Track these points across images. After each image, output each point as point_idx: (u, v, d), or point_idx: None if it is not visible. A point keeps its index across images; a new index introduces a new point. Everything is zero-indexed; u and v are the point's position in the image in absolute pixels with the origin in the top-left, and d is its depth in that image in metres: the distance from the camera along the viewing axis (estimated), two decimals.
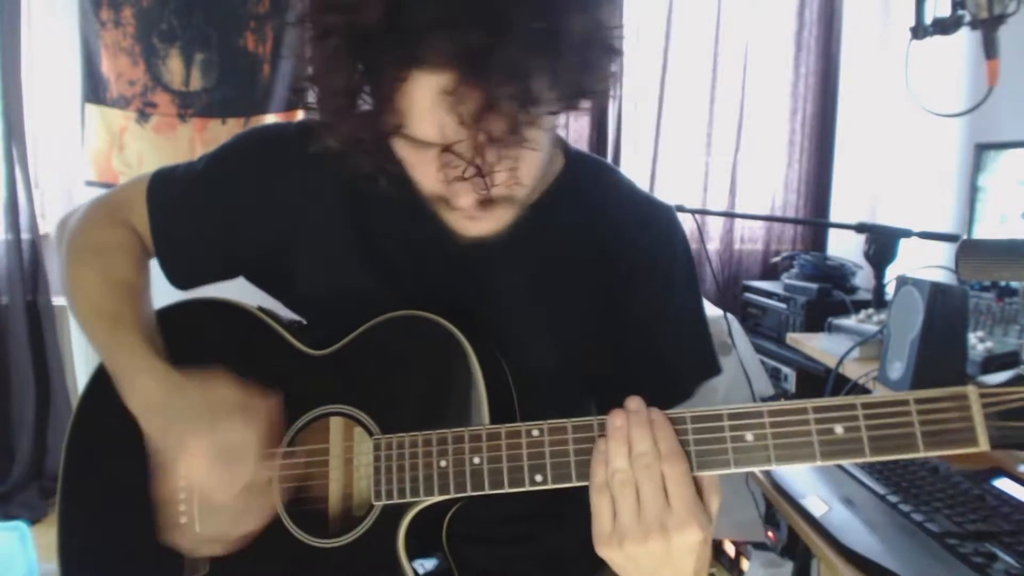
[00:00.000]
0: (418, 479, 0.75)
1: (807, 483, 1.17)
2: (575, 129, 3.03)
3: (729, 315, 2.06)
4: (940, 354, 1.36)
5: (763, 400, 1.62)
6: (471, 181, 0.69)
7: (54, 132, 2.91)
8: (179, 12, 2.84)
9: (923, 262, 1.79)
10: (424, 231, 0.80)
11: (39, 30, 2.86)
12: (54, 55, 2.86)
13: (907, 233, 1.77)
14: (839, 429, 0.65)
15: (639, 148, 3.10)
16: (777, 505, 1.20)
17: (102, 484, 0.91)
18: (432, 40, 0.61)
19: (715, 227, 3.15)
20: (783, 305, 2.56)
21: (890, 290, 1.74)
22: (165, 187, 0.93)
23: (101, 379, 0.89)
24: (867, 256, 1.83)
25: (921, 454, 0.64)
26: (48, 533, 2.27)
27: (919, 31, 2.09)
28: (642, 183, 2.93)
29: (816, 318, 2.23)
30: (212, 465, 0.75)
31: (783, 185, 3.19)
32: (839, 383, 1.59)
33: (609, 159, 2.98)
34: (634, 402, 0.69)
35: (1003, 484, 1.11)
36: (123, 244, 0.92)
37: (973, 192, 2.01)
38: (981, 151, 2.01)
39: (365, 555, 0.79)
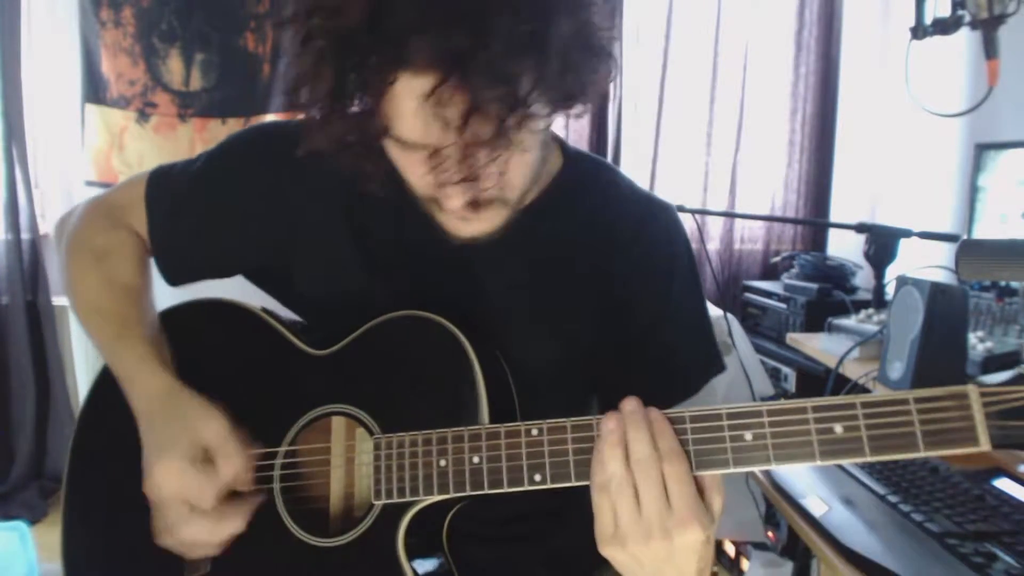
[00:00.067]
0: (418, 478, 0.75)
1: (807, 483, 1.17)
2: (575, 129, 3.03)
3: (729, 315, 2.06)
4: (940, 354, 1.36)
5: (763, 400, 1.62)
6: (460, 183, 0.69)
7: (54, 132, 2.91)
8: (179, 12, 2.84)
9: (923, 262, 1.79)
10: (418, 231, 0.80)
11: (39, 30, 2.85)
12: (54, 55, 2.86)
13: (907, 233, 1.77)
14: (839, 429, 0.65)
15: (639, 148, 3.10)
16: (777, 505, 1.20)
17: (106, 485, 0.91)
18: (415, 43, 0.61)
19: (715, 227, 3.15)
20: (783, 305, 2.56)
21: (890, 290, 1.74)
22: (163, 186, 0.93)
23: (105, 382, 0.90)
24: (867, 256, 1.83)
25: (921, 454, 0.63)
26: (48, 533, 2.28)
27: (919, 31, 2.09)
28: (642, 183, 2.91)
29: (816, 318, 2.23)
30: (182, 480, 0.78)
31: (783, 185, 3.19)
32: (839, 383, 1.59)
33: (609, 159, 2.98)
34: (630, 403, 0.69)
35: (1003, 484, 1.11)
36: (124, 246, 0.92)
37: (973, 192, 2.01)
38: (981, 151, 2.01)
39: (365, 554, 0.79)
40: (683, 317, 0.91)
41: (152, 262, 0.94)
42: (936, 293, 1.35)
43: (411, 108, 0.65)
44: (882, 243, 1.78)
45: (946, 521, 1.01)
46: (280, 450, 0.84)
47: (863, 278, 2.51)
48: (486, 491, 0.73)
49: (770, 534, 2.06)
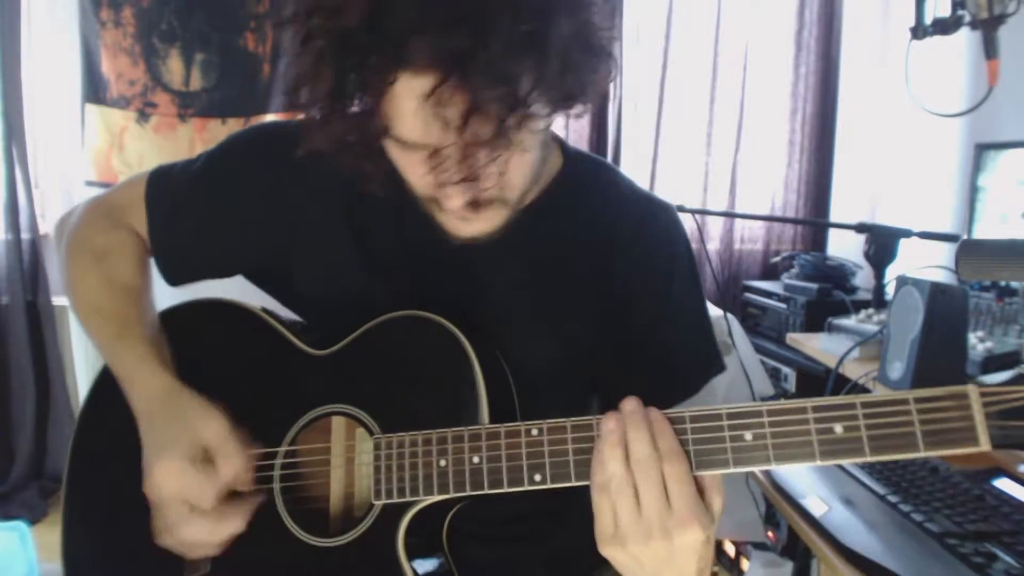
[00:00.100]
0: (418, 478, 0.75)
1: (807, 483, 1.17)
2: (575, 129, 3.03)
3: (729, 315, 2.06)
4: (940, 354, 1.36)
5: (763, 400, 1.62)
6: (460, 183, 0.69)
7: (54, 132, 2.91)
8: (179, 12, 2.84)
9: (923, 262, 1.79)
10: (418, 231, 0.80)
11: (39, 30, 2.85)
12: (54, 55, 2.86)
13: (907, 233, 1.77)
14: (839, 429, 0.65)
15: (639, 148, 3.10)
16: (777, 505, 1.20)
17: (107, 485, 0.91)
18: (415, 43, 0.61)
19: (715, 227, 3.15)
20: (783, 305, 2.56)
21: (890, 290, 1.74)
22: (163, 186, 0.93)
23: (105, 382, 0.90)
24: (867, 256, 1.83)
25: (921, 454, 0.63)
26: (48, 533, 2.28)
27: (919, 31, 2.09)
28: (642, 183, 2.91)
29: (816, 318, 2.23)
30: (182, 480, 0.78)
31: (783, 185, 3.19)
32: (839, 383, 1.59)
33: (609, 159, 2.98)
34: (629, 403, 0.69)
35: (1003, 484, 1.11)
36: (124, 246, 0.92)
37: (973, 192, 2.01)
38: (981, 151, 2.01)
39: (365, 554, 0.79)
40: (683, 317, 0.91)
41: (152, 262, 0.94)
42: (936, 293, 1.35)
43: (411, 108, 0.65)
44: (882, 243, 1.78)
45: (946, 521, 1.01)
46: (280, 450, 0.84)
47: (863, 278, 2.51)
48: (486, 491, 0.73)
49: (770, 534, 2.06)
